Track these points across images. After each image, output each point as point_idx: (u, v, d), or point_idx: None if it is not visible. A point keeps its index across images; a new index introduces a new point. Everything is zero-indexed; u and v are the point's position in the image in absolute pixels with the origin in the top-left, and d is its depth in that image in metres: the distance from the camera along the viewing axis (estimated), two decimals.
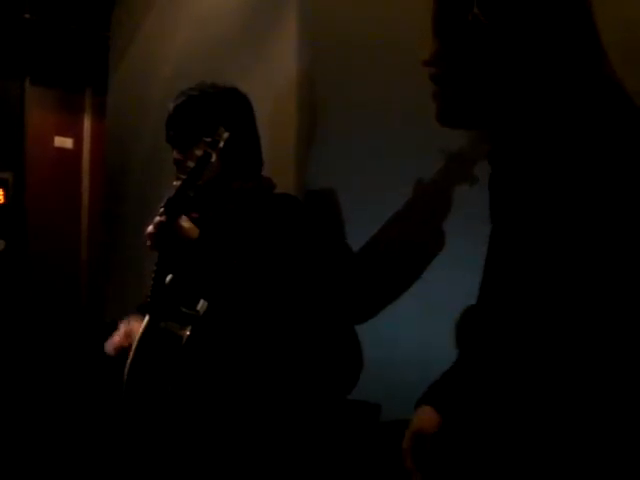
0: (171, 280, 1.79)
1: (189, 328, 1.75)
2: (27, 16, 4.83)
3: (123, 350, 1.92)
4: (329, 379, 1.92)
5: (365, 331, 2.06)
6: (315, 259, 1.87)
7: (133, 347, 1.83)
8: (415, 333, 2.07)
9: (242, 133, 2.00)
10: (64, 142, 5.36)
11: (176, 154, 1.97)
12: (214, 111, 1.96)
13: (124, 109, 4.08)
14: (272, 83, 2.47)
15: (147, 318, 1.81)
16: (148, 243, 1.78)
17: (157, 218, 1.76)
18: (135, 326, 1.97)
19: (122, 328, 2.02)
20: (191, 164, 1.72)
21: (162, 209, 1.75)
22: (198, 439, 1.79)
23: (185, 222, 1.77)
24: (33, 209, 5.14)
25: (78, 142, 5.40)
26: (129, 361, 1.82)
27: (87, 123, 5.43)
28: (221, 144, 1.73)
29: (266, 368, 1.82)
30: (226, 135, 1.74)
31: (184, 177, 1.73)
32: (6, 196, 5.07)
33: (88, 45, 4.97)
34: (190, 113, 1.97)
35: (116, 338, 2.00)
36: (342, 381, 1.95)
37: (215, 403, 1.80)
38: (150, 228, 1.77)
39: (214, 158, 1.72)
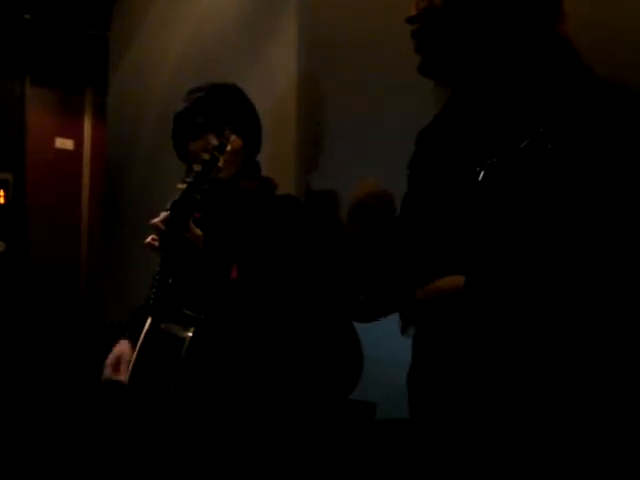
0: (173, 282, 1.77)
1: (191, 330, 1.74)
2: (27, 17, 4.83)
3: (112, 382, 1.92)
4: (331, 380, 1.92)
5: (361, 330, 2.05)
6: (317, 260, 1.87)
7: (136, 349, 1.82)
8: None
9: (253, 135, 2.01)
10: (65, 143, 5.36)
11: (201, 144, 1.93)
12: (229, 109, 1.96)
13: (124, 110, 4.08)
14: (272, 84, 2.47)
15: (150, 320, 1.80)
16: (149, 240, 1.74)
17: (163, 214, 1.71)
18: (124, 350, 1.97)
19: (111, 356, 2.00)
20: (197, 167, 1.68)
21: (168, 212, 1.70)
22: (200, 440, 1.78)
23: (192, 228, 1.72)
24: (33, 210, 5.14)
25: (79, 143, 5.40)
26: (131, 363, 1.81)
27: (87, 124, 5.43)
28: (228, 147, 1.70)
29: (268, 369, 1.81)
30: (233, 137, 1.71)
31: (190, 180, 1.69)
32: (6, 197, 5.06)
33: (88, 45, 4.97)
34: (206, 108, 1.95)
35: (107, 370, 1.98)
36: (343, 382, 1.95)
37: (217, 404, 1.80)
38: (157, 222, 1.71)
39: (221, 162, 1.69)
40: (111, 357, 1.99)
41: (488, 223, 1.18)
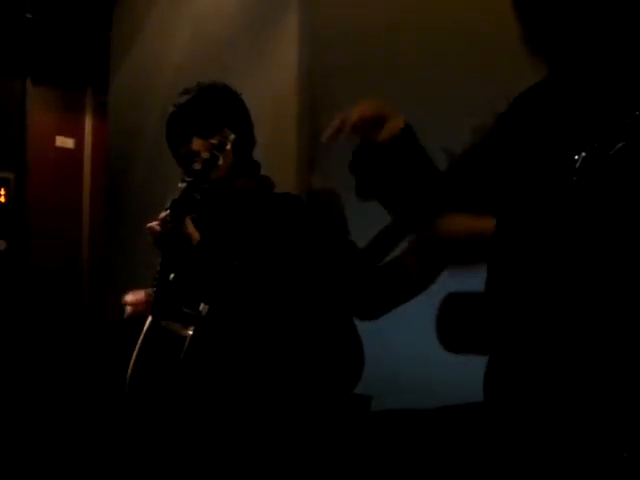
0: (173, 280, 1.78)
1: (192, 328, 1.75)
2: (28, 16, 4.84)
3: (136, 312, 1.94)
4: (332, 377, 1.92)
5: (358, 326, 2.06)
6: (318, 257, 1.88)
7: (136, 347, 1.83)
8: (406, 328, 2.07)
9: (243, 132, 2.01)
10: (65, 142, 5.37)
11: (184, 150, 1.97)
12: (218, 109, 1.97)
13: (125, 108, 4.09)
14: (273, 82, 2.48)
15: (150, 318, 1.81)
16: (151, 239, 1.76)
17: (162, 215, 1.73)
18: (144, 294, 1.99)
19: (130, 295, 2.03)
20: (197, 166, 1.70)
21: (167, 211, 1.72)
22: (200, 435, 1.79)
23: (188, 224, 1.76)
24: (34, 209, 5.15)
25: (79, 142, 5.41)
26: (132, 361, 1.82)
27: (88, 123, 5.44)
28: (228, 146, 1.72)
29: (268, 367, 1.82)
30: (232, 137, 1.73)
31: (190, 179, 1.71)
32: (7, 196, 5.07)
33: (89, 44, 4.98)
34: (194, 111, 1.97)
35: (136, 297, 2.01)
36: (345, 378, 1.96)
37: (217, 402, 1.81)
38: (154, 224, 1.74)
39: (221, 161, 1.71)
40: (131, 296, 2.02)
41: (582, 217, 1.11)
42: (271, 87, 2.46)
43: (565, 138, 1.17)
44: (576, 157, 1.11)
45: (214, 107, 1.97)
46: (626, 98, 1.13)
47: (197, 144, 1.93)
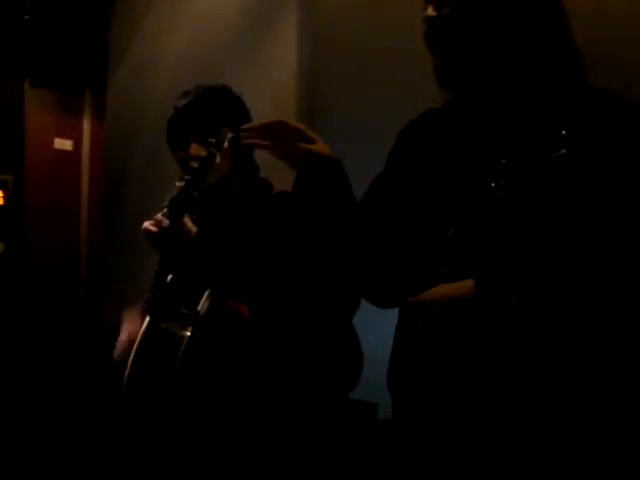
0: (172, 280, 1.78)
1: (190, 329, 1.74)
2: (26, 17, 4.83)
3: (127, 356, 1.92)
4: (330, 378, 1.92)
5: (360, 329, 2.05)
6: (317, 254, 1.87)
7: (134, 348, 1.82)
8: None
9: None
10: (64, 144, 5.36)
11: (182, 154, 1.96)
12: (217, 112, 1.96)
13: (124, 110, 4.08)
14: (272, 83, 2.48)
15: (148, 319, 1.80)
16: (149, 242, 1.76)
17: (158, 215, 1.73)
18: (138, 324, 1.97)
19: (124, 328, 2.01)
20: (195, 164, 1.71)
21: (165, 209, 1.72)
22: (199, 438, 1.78)
23: (187, 222, 1.75)
24: (33, 211, 5.14)
25: (78, 144, 5.40)
26: (129, 362, 1.81)
27: (87, 125, 5.43)
28: (225, 144, 1.72)
29: (267, 368, 1.81)
30: (230, 135, 1.73)
31: (187, 177, 1.71)
32: (6, 198, 5.06)
33: (87, 46, 4.98)
34: (194, 114, 1.97)
35: (120, 343, 1.99)
36: (343, 380, 1.95)
37: (215, 403, 1.80)
38: (148, 224, 1.74)
39: (218, 159, 1.71)
40: (123, 337, 1.99)
41: (510, 228, 1.15)
42: (270, 87, 2.46)
43: (476, 158, 1.22)
44: (496, 176, 1.15)
45: (212, 111, 1.97)
46: (525, 120, 1.19)
47: (195, 149, 1.93)
